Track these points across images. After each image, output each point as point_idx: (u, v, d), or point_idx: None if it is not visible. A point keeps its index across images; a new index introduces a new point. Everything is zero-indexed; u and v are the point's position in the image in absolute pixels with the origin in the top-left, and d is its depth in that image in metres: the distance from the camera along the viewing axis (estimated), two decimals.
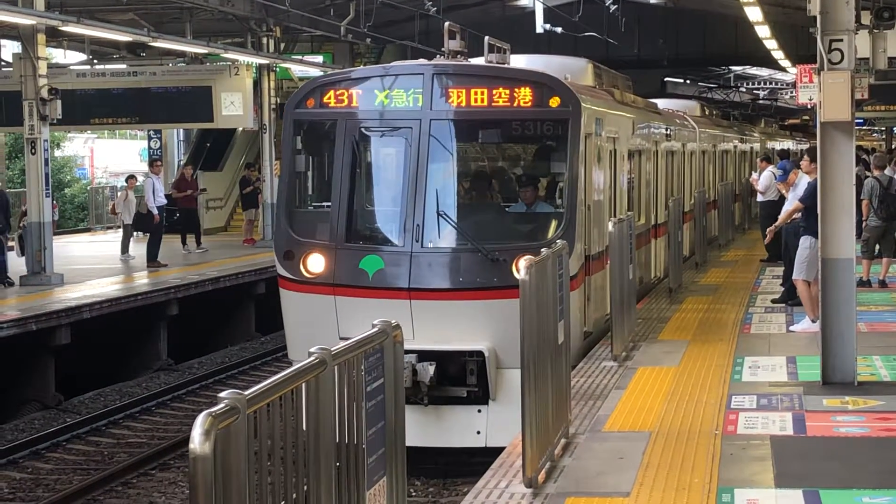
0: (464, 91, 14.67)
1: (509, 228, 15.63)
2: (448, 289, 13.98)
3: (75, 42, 34.96)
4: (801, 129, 63.92)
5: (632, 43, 41.25)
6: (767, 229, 21.60)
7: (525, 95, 14.46)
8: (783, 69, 48.72)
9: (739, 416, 12.50)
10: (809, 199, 17.02)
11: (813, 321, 16.82)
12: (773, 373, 14.83)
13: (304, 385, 5.10)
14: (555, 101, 14.41)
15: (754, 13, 28.53)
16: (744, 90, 67.48)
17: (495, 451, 11.72)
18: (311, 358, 5.30)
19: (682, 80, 57.88)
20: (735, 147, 37.30)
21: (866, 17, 15.88)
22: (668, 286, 22.72)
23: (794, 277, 18.43)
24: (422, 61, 15.71)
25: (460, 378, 14.05)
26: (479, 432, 14.83)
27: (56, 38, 30.90)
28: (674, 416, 12.53)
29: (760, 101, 69.08)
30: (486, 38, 16.57)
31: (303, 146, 15.63)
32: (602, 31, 39.09)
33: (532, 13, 39.65)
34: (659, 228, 23.84)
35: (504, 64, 16.77)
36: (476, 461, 13.94)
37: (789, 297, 19.63)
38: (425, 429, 13.73)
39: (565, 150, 14.73)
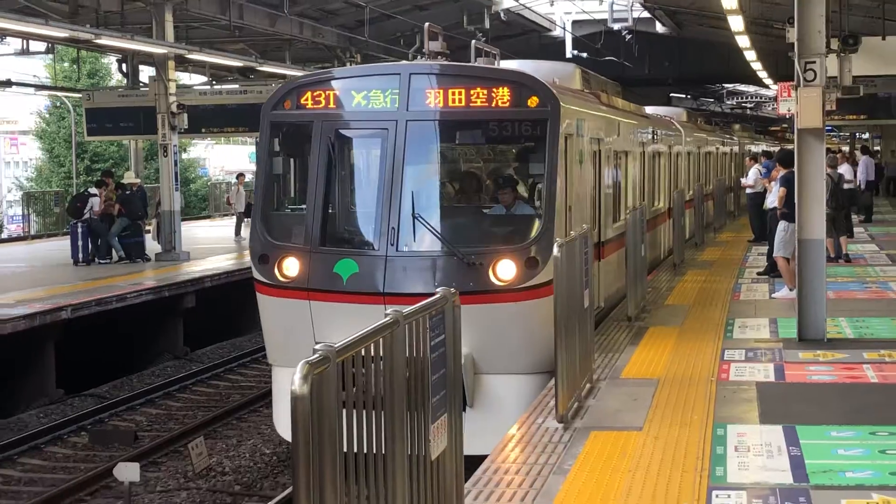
0: (441, 91, 11.73)
1: (487, 231, 12.40)
2: (424, 294, 10.12)
3: (198, 67, 35.36)
4: (771, 133, 63.42)
5: (643, 65, 41.01)
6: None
7: (503, 95, 11.62)
8: (766, 86, 48.30)
9: (731, 367, 12.42)
10: (788, 183, 16.93)
11: (790, 290, 16.67)
12: (758, 331, 14.74)
13: (381, 339, 5.07)
14: (533, 101, 11.45)
15: (743, 40, 28.37)
16: (733, 103, 66.93)
17: (475, 460, 9.18)
18: (388, 318, 5.26)
19: (684, 96, 57.41)
20: (717, 149, 36.15)
21: (835, 43, 15.75)
22: (673, 262, 22.61)
23: (774, 255, 18.37)
24: (402, 62, 13.15)
25: None
26: None
27: (183, 63, 31.25)
28: (678, 366, 12.46)
29: (747, 112, 68.56)
30: (473, 42, 14.21)
31: (279, 148, 12.71)
32: (619, 56, 38.98)
33: (563, 42, 39.70)
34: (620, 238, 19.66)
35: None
36: None
37: (771, 270, 19.51)
38: None
39: (544, 150, 11.69)
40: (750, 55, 33.32)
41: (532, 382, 12.02)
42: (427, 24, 13.04)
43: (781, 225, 17.56)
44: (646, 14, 38.94)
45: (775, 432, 9.55)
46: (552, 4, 39.79)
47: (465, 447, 6.48)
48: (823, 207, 14.12)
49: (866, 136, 59.20)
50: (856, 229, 27.12)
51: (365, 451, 4.90)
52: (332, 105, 11.86)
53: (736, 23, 24.56)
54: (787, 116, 16.60)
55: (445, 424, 5.84)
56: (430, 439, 5.56)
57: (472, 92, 11.52)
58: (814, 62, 13.57)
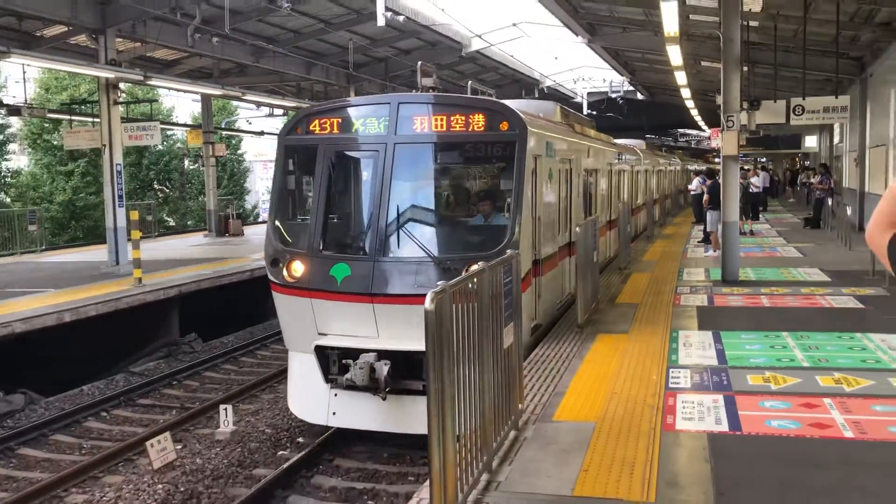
0: (426, 118, 9.20)
1: (462, 239, 9.28)
2: (405, 294, 8.38)
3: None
4: (703, 157, 61.63)
5: (630, 117, 40.63)
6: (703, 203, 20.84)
7: (479, 121, 9.05)
8: (703, 129, 47.66)
9: (681, 297, 12.24)
10: (714, 188, 17.25)
11: (716, 251, 16.53)
12: (698, 276, 14.49)
13: (475, 279, 4.98)
14: (504, 125, 8.94)
15: (690, 103, 28.34)
16: (684, 141, 65.51)
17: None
18: (479, 267, 5.14)
19: (655, 137, 56.36)
20: (665, 168, 33.23)
21: (745, 104, 15.57)
22: (647, 235, 22.27)
23: (707, 229, 18.30)
24: (394, 94, 10.04)
25: (418, 373, 8.15)
26: None
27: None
28: (650, 295, 12.33)
29: (691, 145, 67.01)
30: (470, 82, 11.17)
31: (290, 168, 9.95)
32: (615, 112, 39.06)
33: (580, 104, 39.61)
34: (612, 223, 17.05)
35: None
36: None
37: (705, 239, 19.25)
38: (388, 416, 8.48)
39: (513, 168, 9.01)
40: (694, 112, 33.23)
41: None
42: (420, 62, 10.24)
43: (710, 214, 17.91)
44: (631, 88, 38.80)
45: (707, 335, 9.45)
46: (575, 82, 39.95)
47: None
48: (738, 202, 13.99)
49: (763, 159, 58.10)
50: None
51: (466, 344, 4.73)
52: (335, 130, 9.34)
53: (686, 93, 24.63)
54: (717, 148, 16.39)
55: (511, 330, 5.85)
56: (504, 336, 5.59)
57: (452, 118, 8.98)
58: (732, 116, 13.44)
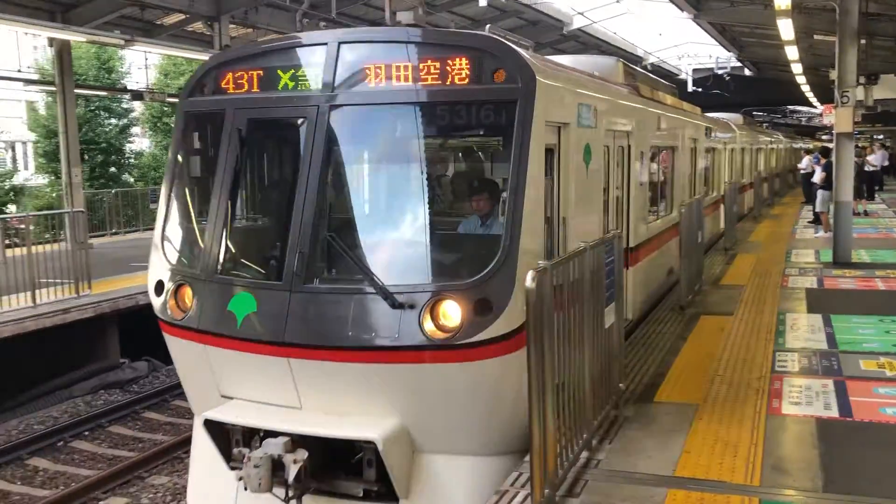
0: (382, 68, 5.39)
1: (431, 260, 5.30)
2: (338, 347, 5.03)
3: None
4: (811, 134, 58.61)
5: (736, 94, 39.28)
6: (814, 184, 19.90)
7: (460, 69, 5.24)
8: (815, 106, 45.63)
9: (789, 279, 11.79)
10: (827, 167, 16.39)
11: (826, 232, 15.88)
12: (807, 258, 13.92)
13: (577, 258, 4.87)
14: (500, 75, 5.22)
15: (801, 79, 27.08)
16: (794, 118, 62.72)
17: None
18: (581, 246, 4.97)
19: (763, 113, 54.13)
20: (768, 146, 29.63)
21: (862, 79, 14.84)
22: (753, 215, 21.53)
23: (817, 210, 17.60)
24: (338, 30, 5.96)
25: (357, 470, 5.11)
26: None
27: None
28: (756, 276, 11.94)
29: (801, 123, 64.12)
30: (488, 26, 6.15)
31: (190, 146, 6.35)
32: (721, 89, 37.88)
33: (685, 80, 38.73)
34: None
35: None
36: None
37: (816, 220, 18.47)
38: None
39: (511, 144, 5.22)
40: (805, 88, 31.85)
41: (490, 467, 5.35)
42: None
43: (820, 193, 17.19)
44: (738, 64, 37.54)
45: (817, 318, 9.09)
46: (680, 59, 38.86)
47: None
48: (852, 181, 13.43)
49: (881, 136, 55.13)
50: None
51: (566, 323, 4.61)
52: (254, 88, 5.79)
53: (797, 68, 23.65)
54: (829, 125, 15.63)
55: (612, 309, 5.77)
56: (605, 315, 5.53)
57: (421, 67, 5.31)
58: (848, 91, 12.86)
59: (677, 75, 40.48)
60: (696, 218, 10.23)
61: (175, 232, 6.18)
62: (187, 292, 5.85)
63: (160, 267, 6.10)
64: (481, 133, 5.63)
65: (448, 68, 5.31)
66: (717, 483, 4.66)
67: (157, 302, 6.03)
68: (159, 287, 6.03)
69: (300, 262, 5.32)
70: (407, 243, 5.47)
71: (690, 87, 37.22)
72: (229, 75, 5.94)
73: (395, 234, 5.58)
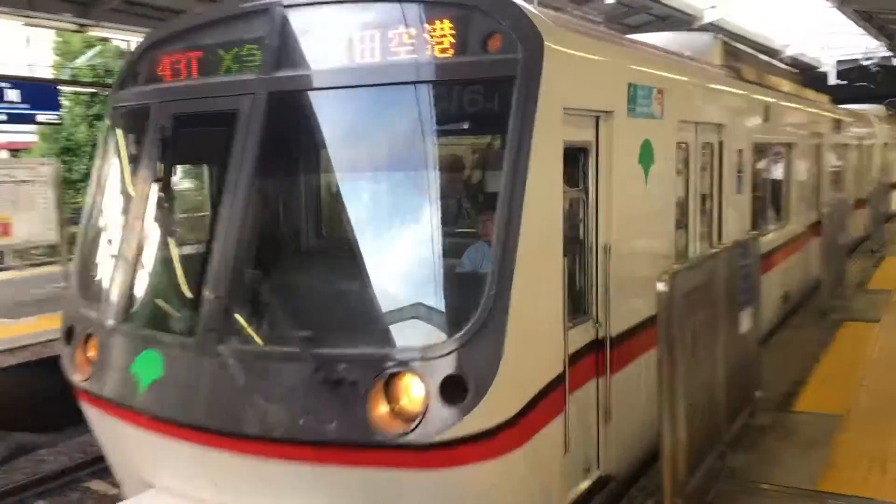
0: (343, 39, 3.67)
1: (382, 312, 3.44)
2: (263, 437, 3.33)
3: None
4: None
5: (881, 86, 37.03)
6: None
7: (441, 36, 3.41)
8: None
9: None
10: None
11: None
12: None
13: (710, 260, 4.72)
14: (496, 42, 3.36)
15: None
16: None
17: None
18: (717, 248, 4.91)
19: None
20: None
21: None
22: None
23: None
24: None
25: None
26: None
27: None
28: None
29: None
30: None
31: (115, 153, 4.68)
32: (867, 81, 35.91)
33: (824, 73, 36.88)
34: (817, 227, 10.08)
35: None
36: None
37: None
38: None
39: (504, 141, 3.42)
40: None
41: None
42: None
43: None
44: (888, 53, 35.40)
45: None
46: (822, 50, 37.16)
47: None
48: None
49: None
50: None
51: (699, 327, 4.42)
52: (193, 74, 4.35)
53: None
54: None
55: (748, 313, 5.56)
56: (740, 321, 5.33)
57: (390, 35, 3.71)
58: None
59: (816, 67, 38.62)
60: (839, 221, 9.57)
61: (91, 263, 4.66)
62: (91, 343, 4.38)
63: (71, 308, 4.60)
64: (469, 126, 3.96)
65: (428, 36, 3.66)
66: (862, 500, 4.41)
67: (64, 353, 4.52)
68: (68, 334, 4.54)
69: (215, 311, 3.76)
70: (358, 287, 3.66)
71: (832, 80, 35.33)
72: (165, 60, 4.47)
73: (343, 274, 3.84)
